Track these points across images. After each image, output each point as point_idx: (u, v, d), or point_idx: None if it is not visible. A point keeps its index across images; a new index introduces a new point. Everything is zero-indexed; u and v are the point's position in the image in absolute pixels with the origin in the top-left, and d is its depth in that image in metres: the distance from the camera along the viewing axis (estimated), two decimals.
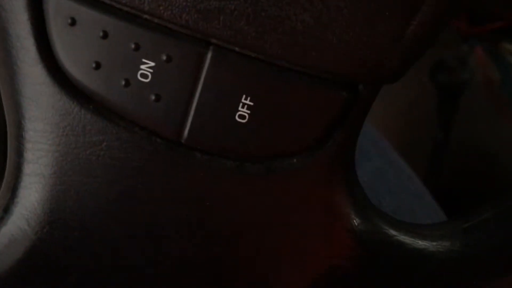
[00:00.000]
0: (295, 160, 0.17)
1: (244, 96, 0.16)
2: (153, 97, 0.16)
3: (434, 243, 0.18)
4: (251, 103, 0.16)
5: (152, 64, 0.15)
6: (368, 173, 0.32)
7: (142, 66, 0.15)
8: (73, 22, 0.15)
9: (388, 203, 0.32)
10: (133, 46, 0.15)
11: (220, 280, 0.17)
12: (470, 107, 0.72)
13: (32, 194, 0.16)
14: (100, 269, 0.17)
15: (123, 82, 0.15)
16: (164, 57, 0.15)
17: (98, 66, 0.15)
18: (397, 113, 0.73)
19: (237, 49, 0.15)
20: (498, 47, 0.71)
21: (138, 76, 0.15)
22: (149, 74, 0.15)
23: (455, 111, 0.71)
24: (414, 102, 0.74)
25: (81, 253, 0.17)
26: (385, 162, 0.34)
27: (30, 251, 0.17)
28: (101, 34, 0.15)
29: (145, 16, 0.15)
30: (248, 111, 0.16)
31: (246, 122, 0.16)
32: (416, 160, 0.68)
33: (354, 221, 0.18)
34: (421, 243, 0.18)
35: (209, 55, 0.15)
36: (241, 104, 0.16)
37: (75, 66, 0.15)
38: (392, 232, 0.18)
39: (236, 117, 0.16)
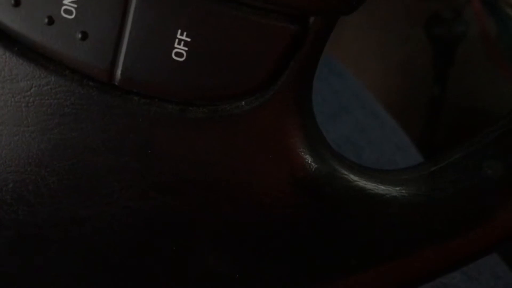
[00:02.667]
0: (243, 103, 0.15)
1: (179, 31, 0.14)
2: (79, 35, 0.14)
3: (397, 188, 0.17)
4: (188, 39, 0.14)
5: None
6: (348, 126, 0.31)
7: (65, 1, 0.14)
8: None
9: (368, 156, 0.31)
10: None
11: (167, 231, 0.16)
12: (466, 61, 0.70)
13: None
14: (38, 224, 0.16)
15: (46, 20, 0.14)
16: None
17: (17, 3, 0.14)
18: (393, 68, 0.71)
19: None
20: None
21: (62, 12, 0.14)
22: (73, 9, 0.14)
23: (451, 65, 0.69)
24: (410, 57, 0.72)
25: (17, 205, 0.16)
26: (367, 114, 0.33)
27: None
28: None
29: None
30: (186, 48, 0.14)
31: (184, 60, 0.15)
32: (412, 115, 0.66)
33: (310, 166, 0.16)
34: (383, 188, 0.17)
35: None
36: (177, 40, 0.14)
37: None
38: (352, 177, 0.17)
39: (173, 55, 0.15)
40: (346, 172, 0.17)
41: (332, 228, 0.17)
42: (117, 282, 0.17)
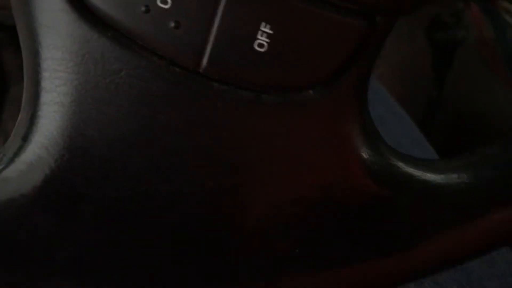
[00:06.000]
0: (311, 92, 0.17)
1: (263, 24, 0.16)
2: (172, 24, 0.16)
3: (442, 176, 0.19)
4: (271, 32, 0.16)
5: None
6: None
7: None
8: None
9: None
10: None
11: (235, 208, 0.18)
12: (464, 65, 0.72)
13: (51, 123, 0.16)
14: (119, 200, 0.17)
15: (142, 8, 0.15)
16: None
17: None
18: (392, 69, 0.73)
19: None
20: (494, 5, 0.71)
21: (158, 2, 0.15)
22: (169, 0, 0.15)
23: (449, 68, 0.71)
24: (409, 59, 0.74)
25: (100, 182, 0.17)
26: (386, 109, 0.34)
27: (49, 179, 0.17)
28: None
29: None
30: (267, 40, 0.16)
31: (264, 51, 0.16)
32: (410, 116, 0.68)
33: (366, 153, 0.18)
34: (429, 175, 0.19)
35: None
36: (260, 32, 0.16)
37: None
38: (401, 164, 0.19)
39: (255, 46, 0.16)
40: (396, 160, 0.18)
41: (383, 211, 0.18)
42: (185, 256, 0.18)
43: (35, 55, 0.16)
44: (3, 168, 0.17)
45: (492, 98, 0.73)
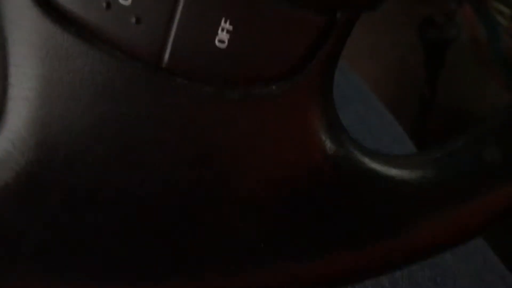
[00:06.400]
0: (274, 87, 0.17)
1: (223, 20, 0.16)
2: (133, 20, 0.16)
3: (407, 171, 0.19)
4: (231, 27, 0.16)
5: None
6: (349, 117, 0.33)
7: None
8: None
9: (368, 146, 0.33)
10: None
11: (198, 200, 0.18)
12: (456, 64, 0.72)
13: (17, 118, 0.17)
14: (84, 190, 0.17)
15: (104, 4, 0.16)
16: None
17: None
18: (385, 69, 0.73)
19: None
20: (486, 5, 0.71)
21: None
22: None
23: (442, 67, 0.72)
24: (402, 59, 0.74)
25: (67, 174, 0.17)
26: (367, 107, 0.35)
27: (18, 173, 0.17)
28: None
29: None
30: (228, 36, 0.16)
31: (225, 47, 0.16)
32: (403, 115, 0.68)
33: (329, 146, 0.18)
34: (394, 171, 0.19)
35: None
36: (220, 28, 0.16)
37: None
38: (366, 159, 0.19)
39: (216, 42, 0.16)
40: (360, 155, 0.19)
41: (345, 204, 0.19)
42: (150, 251, 0.18)
43: (2, 49, 0.17)
44: None
45: (484, 96, 0.73)
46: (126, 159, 0.17)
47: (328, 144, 0.18)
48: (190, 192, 0.18)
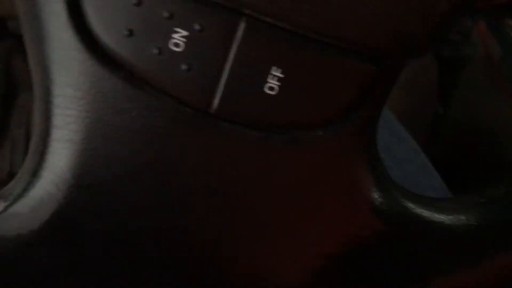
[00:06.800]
0: (320, 132, 0.17)
1: (274, 67, 0.16)
2: (184, 67, 0.16)
3: (451, 217, 0.19)
4: (281, 75, 0.16)
5: (185, 33, 0.15)
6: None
7: (175, 35, 0.15)
8: None
9: (395, 175, 0.33)
10: (166, 14, 0.15)
11: (241, 249, 0.18)
12: (470, 82, 0.72)
13: (61, 159, 0.17)
14: (123, 235, 0.17)
15: (155, 51, 0.16)
16: (197, 27, 0.15)
17: (130, 33, 0.15)
18: (399, 86, 0.73)
19: (270, 20, 0.15)
20: (501, 23, 0.71)
21: (171, 45, 0.15)
22: (181, 43, 0.15)
23: (456, 85, 0.71)
24: (415, 76, 0.74)
25: (108, 218, 0.17)
26: (391, 134, 0.34)
27: (58, 215, 0.17)
28: (134, 1, 0.15)
29: None
30: (278, 83, 0.16)
31: (275, 94, 0.16)
32: (416, 134, 0.68)
33: (375, 194, 0.18)
34: (438, 217, 0.19)
35: (241, 26, 0.15)
36: (270, 76, 0.16)
37: (107, 33, 0.15)
38: (411, 205, 0.19)
39: (265, 89, 0.16)
40: (405, 201, 0.19)
41: (392, 251, 0.18)
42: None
43: (47, 92, 0.16)
44: (12, 203, 0.17)
45: (498, 115, 0.72)
46: (168, 204, 0.17)
47: (375, 192, 0.18)
48: (231, 238, 0.18)
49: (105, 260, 0.17)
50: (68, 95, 0.16)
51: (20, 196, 0.17)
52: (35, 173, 0.17)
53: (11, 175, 0.72)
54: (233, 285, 0.18)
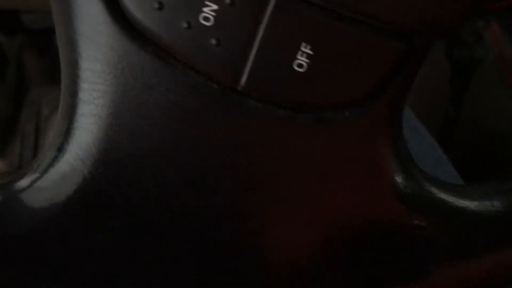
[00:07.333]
0: (346, 112, 0.17)
1: (304, 44, 0.16)
2: (213, 42, 0.16)
3: (476, 203, 0.19)
4: (311, 52, 0.16)
5: (216, 7, 0.15)
6: None
7: (205, 9, 0.15)
8: None
9: None
10: None
11: (264, 226, 0.18)
12: (482, 83, 0.72)
13: (87, 134, 0.17)
14: (149, 212, 0.17)
15: (185, 25, 0.15)
16: (228, 1, 0.15)
17: (161, 6, 0.15)
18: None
19: None
20: None
21: (201, 19, 0.15)
22: (211, 17, 0.15)
23: (468, 86, 0.71)
24: (427, 76, 0.74)
25: (133, 194, 0.17)
26: (409, 129, 0.34)
27: (83, 189, 0.17)
28: None
29: None
30: (307, 60, 0.16)
31: (303, 71, 0.16)
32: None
33: (399, 176, 0.18)
34: (462, 202, 0.19)
35: (272, 1, 0.15)
36: (300, 52, 0.16)
37: (137, 6, 0.15)
38: (434, 190, 0.18)
39: (294, 66, 0.16)
40: (430, 185, 0.18)
41: (414, 235, 0.18)
42: (210, 273, 0.18)
43: (74, 66, 0.16)
44: (38, 178, 0.17)
45: (510, 116, 0.72)
46: (194, 181, 0.17)
47: (399, 175, 0.18)
48: (259, 217, 0.17)
49: (130, 237, 0.17)
50: (96, 70, 0.16)
51: (45, 171, 0.17)
52: (61, 148, 0.17)
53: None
54: (260, 262, 0.18)
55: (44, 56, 0.74)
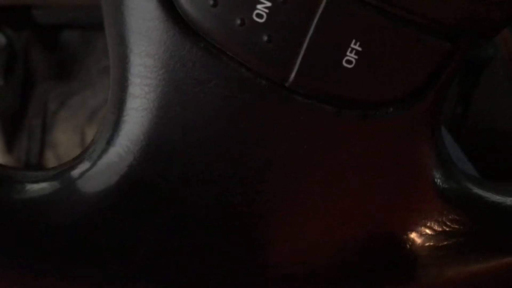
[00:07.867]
0: (391, 109, 0.17)
1: (354, 41, 0.16)
2: (265, 38, 0.16)
3: (511, 198, 0.19)
4: (360, 49, 0.16)
5: (269, 4, 0.16)
6: None
7: (259, 6, 0.16)
8: None
9: None
10: None
11: (308, 221, 0.18)
12: (490, 82, 0.72)
13: (137, 128, 0.17)
14: (196, 204, 0.17)
15: (238, 21, 0.16)
16: None
17: (215, 3, 0.16)
18: None
19: None
20: None
21: (254, 16, 0.16)
22: (264, 14, 0.16)
23: (476, 86, 0.71)
24: None
25: (180, 186, 0.17)
26: None
27: (133, 181, 0.17)
28: None
29: None
30: (356, 57, 0.16)
31: (352, 67, 0.16)
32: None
33: (438, 173, 0.18)
34: (497, 198, 0.19)
35: None
36: (349, 49, 0.16)
37: (192, 3, 0.16)
38: (471, 185, 0.19)
39: (343, 62, 0.16)
40: (466, 182, 0.19)
41: (451, 231, 0.19)
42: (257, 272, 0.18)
43: (125, 61, 0.17)
44: (87, 170, 0.17)
45: None
46: (241, 175, 0.17)
47: (438, 172, 0.18)
48: (302, 211, 0.18)
49: (176, 230, 0.17)
50: (148, 65, 0.16)
51: (95, 163, 0.17)
52: (111, 141, 0.17)
53: (27, 166, 0.72)
54: (307, 256, 0.18)
55: (52, 52, 0.74)
